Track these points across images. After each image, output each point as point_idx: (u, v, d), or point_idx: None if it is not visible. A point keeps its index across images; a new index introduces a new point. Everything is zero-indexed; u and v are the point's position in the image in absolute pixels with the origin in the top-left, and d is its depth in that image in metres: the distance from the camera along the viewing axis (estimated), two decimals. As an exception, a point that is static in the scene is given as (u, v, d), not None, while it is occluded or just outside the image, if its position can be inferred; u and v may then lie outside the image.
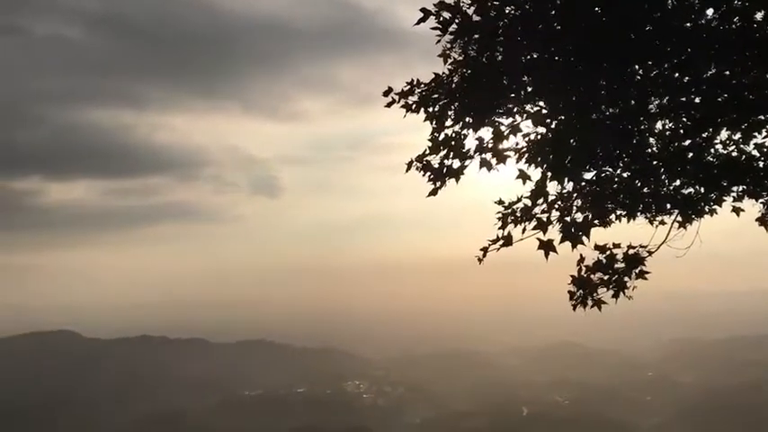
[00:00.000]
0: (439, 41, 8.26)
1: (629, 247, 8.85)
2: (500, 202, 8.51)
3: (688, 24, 7.76)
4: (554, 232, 8.17)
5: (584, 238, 8.02)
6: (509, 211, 8.44)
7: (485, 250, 8.57)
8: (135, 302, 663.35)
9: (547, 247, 8.06)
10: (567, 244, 8.03)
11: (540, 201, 8.29)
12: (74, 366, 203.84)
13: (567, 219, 8.23)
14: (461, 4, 7.90)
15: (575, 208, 8.55)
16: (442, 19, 7.96)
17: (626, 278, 8.69)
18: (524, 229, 8.30)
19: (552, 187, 8.29)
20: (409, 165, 8.96)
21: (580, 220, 8.22)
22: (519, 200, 8.40)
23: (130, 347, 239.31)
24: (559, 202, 8.42)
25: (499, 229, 8.46)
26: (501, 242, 8.42)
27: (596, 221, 8.74)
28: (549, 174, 8.15)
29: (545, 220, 8.23)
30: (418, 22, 8.06)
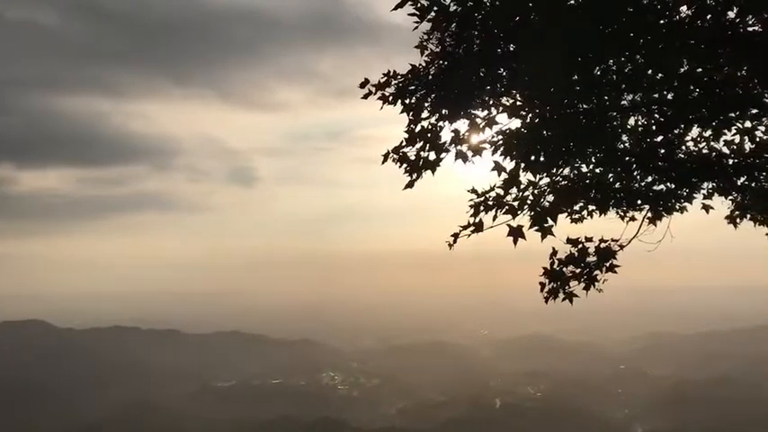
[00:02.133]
0: (416, 28, 8.26)
1: (602, 240, 8.96)
2: (473, 191, 8.56)
3: (662, 21, 7.84)
4: (524, 220, 8.27)
5: (553, 229, 8.12)
6: (482, 199, 8.50)
7: (455, 236, 8.63)
8: (107, 292, 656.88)
9: (516, 233, 8.15)
10: (539, 235, 8.13)
11: (513, 190, 8.37)
12: (45, 357, 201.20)
13: (538, 208, 8.33)
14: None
15: (546, 202, 8.64)
16: (419, 5, 7.96)
17: (597, 271, 8.80)
18: (495, 216, 8.37)
19: (525, 177, 8.38)
20: (386, 156, 8.95)
21: (548, 206, 8.35)
22: (492, 189, 8.46)
23: (102, 338, 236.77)
24: (531, 191, 8.50)
25: (471, 216, 8.53)
26: (472, 228, 8.48)
27: (564, 207, 8.85)
28: (523, 165, 8.23)
29: (516, 206, 8.32)
30: (396, 8, 8.05)
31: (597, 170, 9.27)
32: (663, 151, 9.46)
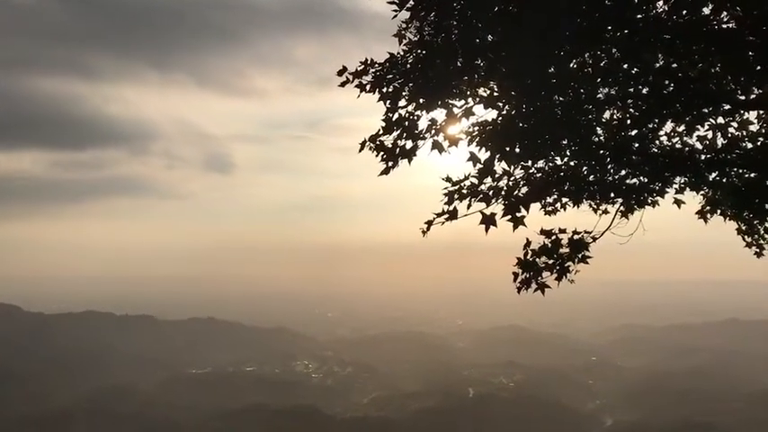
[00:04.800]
0: (395, 17, 8.25)
1: (575, 232, 9.02)
2: (447, 179, 8.58)
3: (639, 15, 7.91)
4: (497, 209, 8.32)
5: (526, 220, 8.19)
6: (456, 187, 8.53)
7: (429, 224, 8.65)
8: (80, 277, 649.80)
9: (488, 220, 8.19)
10: (511, 226, 8.19)
11: (487, 179, 8.42)
12: (15, 341, 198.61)
13: (512, 198, 8.39)
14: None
15: (521, 193, 8.70)
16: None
17: (569, 263, 8.86)
18: (469, 205, 8.41)
19: (499, 167, 8.42)
20: (362, 145, 8.94)
21: (522, 196, 8.43)
22: (466, 177, 8.50)
23: (75, 323, 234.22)
24: (505, 180, 8.55)
25: (445, 204, 8.56)
26: (446, 216, 8.51)
27: (538, 199, 8.94)
28: (498, 156, 8.27)
29: (490, 194, 8.37)
30: (376, -6, 8.05)
31: (572, 163, 9.33)
32: (637, 145, 9.56)
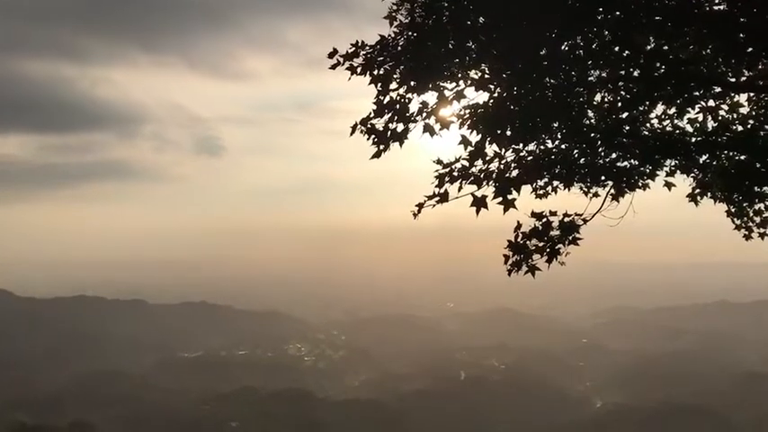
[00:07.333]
0: (385, -1, 8.22)
1: (565, 215, 9.03)
2: (438, 162, 8.58)
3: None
4: (488, 191, 8.33)
5: (517, 203, 8.20)
6: (447, 170, 8.53)
7: (420, 206, 8.66)
8: (72, 261, 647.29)
9: (479, 203, 8.20)
10: (501, 208, 8.20)
11: (478, 162, 8.42)
12: (7, 326, 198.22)
13: (503, 180, 8.40)
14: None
15: (512, 175, 8.70)
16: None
17: (560, 245, 8.88)
18: (460, 187, 8.41)
19: (491, 149, 8.42)
20: (354, 128, 8.90)
21: (513, 178, 8.46)
22: (457, 160, 8.49)
23: (66, 307, 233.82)
24: (497, 162, 8.55)
25: (436, 186, 8.56)
26: (437, 198, 8.52)
27: (529, 181, 8.95)
28: (489, 139, 8.26)
29: (481, 177, 8.38)
30: (367, -24, 8.00)
31: (563, 146, 9.33)
32: (627, 128, 9.57)
